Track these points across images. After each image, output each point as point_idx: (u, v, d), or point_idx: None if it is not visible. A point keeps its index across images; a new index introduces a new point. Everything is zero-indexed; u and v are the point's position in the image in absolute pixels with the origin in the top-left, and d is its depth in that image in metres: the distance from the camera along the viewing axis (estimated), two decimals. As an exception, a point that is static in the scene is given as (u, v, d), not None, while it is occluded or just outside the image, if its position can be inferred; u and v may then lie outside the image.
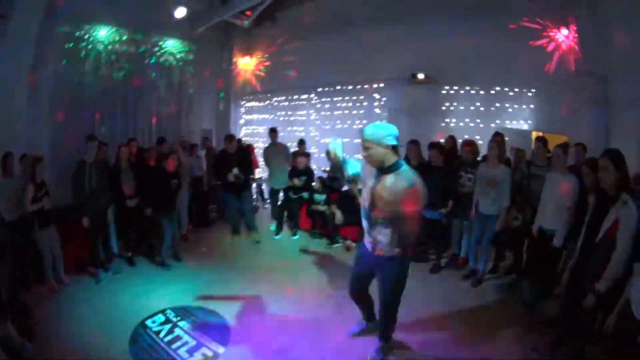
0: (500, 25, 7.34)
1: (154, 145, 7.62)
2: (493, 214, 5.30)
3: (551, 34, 7.09)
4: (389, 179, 3.12)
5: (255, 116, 11.66)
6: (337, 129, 9.71)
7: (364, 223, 3.46)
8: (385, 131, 3.13)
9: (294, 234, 7.68)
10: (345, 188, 6.97)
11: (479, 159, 6.00)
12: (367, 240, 3.48)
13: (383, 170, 3.18)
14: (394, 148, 3.15)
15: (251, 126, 11.70)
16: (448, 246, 6.39)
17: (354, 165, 3.64)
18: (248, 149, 7.68)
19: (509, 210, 5.36)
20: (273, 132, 8.36)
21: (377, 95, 9.25)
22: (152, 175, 6.20)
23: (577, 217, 4.01)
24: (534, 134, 7.27)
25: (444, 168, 5.95)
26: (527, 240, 5.27)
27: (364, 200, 3.41)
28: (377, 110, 9.21)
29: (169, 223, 6.16)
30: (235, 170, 6.81)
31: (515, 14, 7.25)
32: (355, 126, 9.39)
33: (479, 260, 5.64)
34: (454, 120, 8.36)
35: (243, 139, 10.90)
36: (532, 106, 7.64)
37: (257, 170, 9.55)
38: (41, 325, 4.12)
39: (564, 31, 6.94)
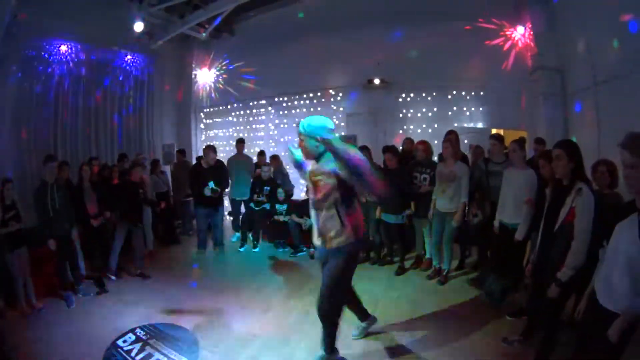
0: (456, 27, 7.60)
1: (117, 164, 7.64)
2: (451, 211, 5.49)
3: (507, 32, 7.36)
4: (318, 164, 3.38)
5: (214, 127, 11.77)
6: (295, 137, 9.85)
7: (314, 220, 3.51)
8: (317, 125, 3.27)
9: (255, 247, 7.73)
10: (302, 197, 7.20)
11: (434, 158, 6.23)
12: (316, 239, 3.53)
13: (317, 160, 3.41)
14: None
15: (211, 138, 11.74)
16: (412, 248, 6.56)
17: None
18: (223, 162, 7.81)
19: (469, 207, 5.57)
20: (240, 143, 8.45)
21: (334, 102, 9.48)
22: (118, 189, 6.29)
23: (538, 210, 4.09)
24: (494, 132, 7.53)
25: (398, 169, 6.11)
26: (490, 235, 5.32)
27: (310, 195, 3.54)
28: (334, 117, 9.37)
29: (127, 235, 6.25)
30: (212, 185, 6.86)
31: (470, 15, 7.49)
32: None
33: (442, 259, 5.80)
34: (411, 122, 8.61)
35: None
36: (489, 104, 7.89)
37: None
38: (15, 351, 4.13)
39: (520, 29, 7.20)
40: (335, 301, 3.49)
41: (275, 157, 8.23)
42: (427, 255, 6.25)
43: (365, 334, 4.27)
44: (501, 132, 7.18)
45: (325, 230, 3.38)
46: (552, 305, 3.24)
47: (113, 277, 6.18)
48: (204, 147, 7.48)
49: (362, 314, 4.25)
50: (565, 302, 3.26)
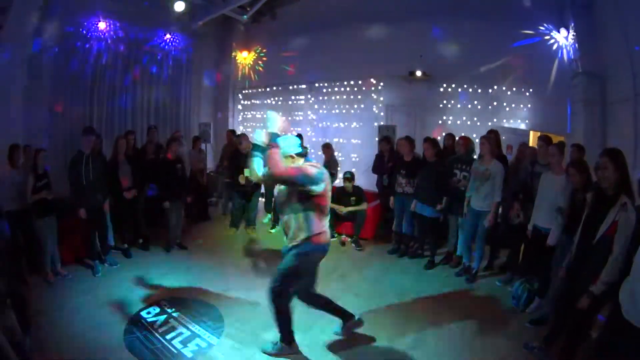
0: (500, 24, 7.38)
1: (147, 136, 7.62)
2: (485, 210, 5.31)
3: (551, 35, 7.11)
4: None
5: (252, 110, 11.69)
6: (334, 126, 9.79)
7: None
8: (287, 143, 3.48)
9: None
10: (339, 184, 7.05)
11: (475, 156, 6.02)
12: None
13: None
14: (301, 154, 3.58)
15: (248, 120, 11.72)
16: (443, 243, 6.39)
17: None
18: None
19: (511, 207, 5.39)
20: None
21: (374, 92, 9.27)
22: (156, 166, 6.36)
23: (573, 215, 3.99)
24: (532, 134, 7.32)
25: (437, 162, 5.95)
26: (522, 238, 5.23)
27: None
28: (375, 107, 9.25)
29: (176, 210, 6.38)
30: (247, 172, 6.77)
31: (515, 15, 7.27)
32: (354, 124, 9.50)
33: (472, 257, 5.66)
34: (451, 117, 8.41)
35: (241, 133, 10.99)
36: (529, 105, 7.65)
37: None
38: (38, 316, 4.12)
39: (563, 32, 6.93)
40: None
41: (327, 146, 8.09)
42: (458, 252, 6.07)
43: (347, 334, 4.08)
44: (538, 134, 6.91)
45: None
46: (580, 316, 3.18)
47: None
48: (238, 134, 7.44)
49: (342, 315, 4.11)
50: (594, 316, 3.21)
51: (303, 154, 3.62)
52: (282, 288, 3.63)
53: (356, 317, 4.06)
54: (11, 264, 4.84)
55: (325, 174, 3.52)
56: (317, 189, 3.39)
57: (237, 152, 7.26)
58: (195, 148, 8.37)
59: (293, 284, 3.72)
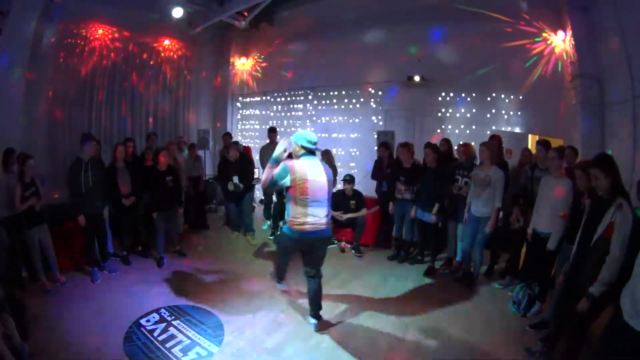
0: (497, 28, 7.37)
1: (147, 143, 7.64)
2: (485, 216, 5.30)
3: (547, 37, 7.10)
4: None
5: (251, 116, 11.67)
6: (332, 133, 9.81)
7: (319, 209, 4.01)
8: (299, 136, 4.08)
9: None
10: (339, 189, 7.04)
11: (476, 162, 6.01)
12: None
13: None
14: (305, 147, 4.03)
15: (247, 127, 11.71)
16: (443, 249, 6.38)
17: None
18: (249, 156, 7.76)
19: (512, 212, 5.42)
20: (272, 132, 8.42)
21: (372, 98, 9.27)
22: (147, 175, 6.27)
23: (573, 220, 4.04)
24: (530, 137, 7.30)
25: (438, 168, 5.94)
26: (522, 243, 5.26)
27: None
28: (373, 113, 9.26)
29: (166, 220, 6.26)
30: (235, 179, 6.83)
31: (511, 18, 7.26)
32: (353, 129, 9.51)
33: (472, 263, 5.64)
34: (449, 123, 8.37)
35: (239, 139, 10.98)
36: (527, 109, 7.60)
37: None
38: (36, 323, 4.11)
39: (560, 34, 6.93)
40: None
41: (326, 152, 8.10)
42: (458, 258, 6.07)
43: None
44: (536, 138, 6.89)
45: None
46: (580, 319, 3.21)
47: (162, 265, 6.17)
48: (229, 140, 7.48)
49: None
50: (595, 318, 3.19)
51: (308, 149, 4.02)
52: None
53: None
54: (8, 270, 4.84)
55: (292, 168, 3.90)
56: (286, 182, 3.91)
57: (225, 160, 7.32)
58: (192, 156, 8.33)
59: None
